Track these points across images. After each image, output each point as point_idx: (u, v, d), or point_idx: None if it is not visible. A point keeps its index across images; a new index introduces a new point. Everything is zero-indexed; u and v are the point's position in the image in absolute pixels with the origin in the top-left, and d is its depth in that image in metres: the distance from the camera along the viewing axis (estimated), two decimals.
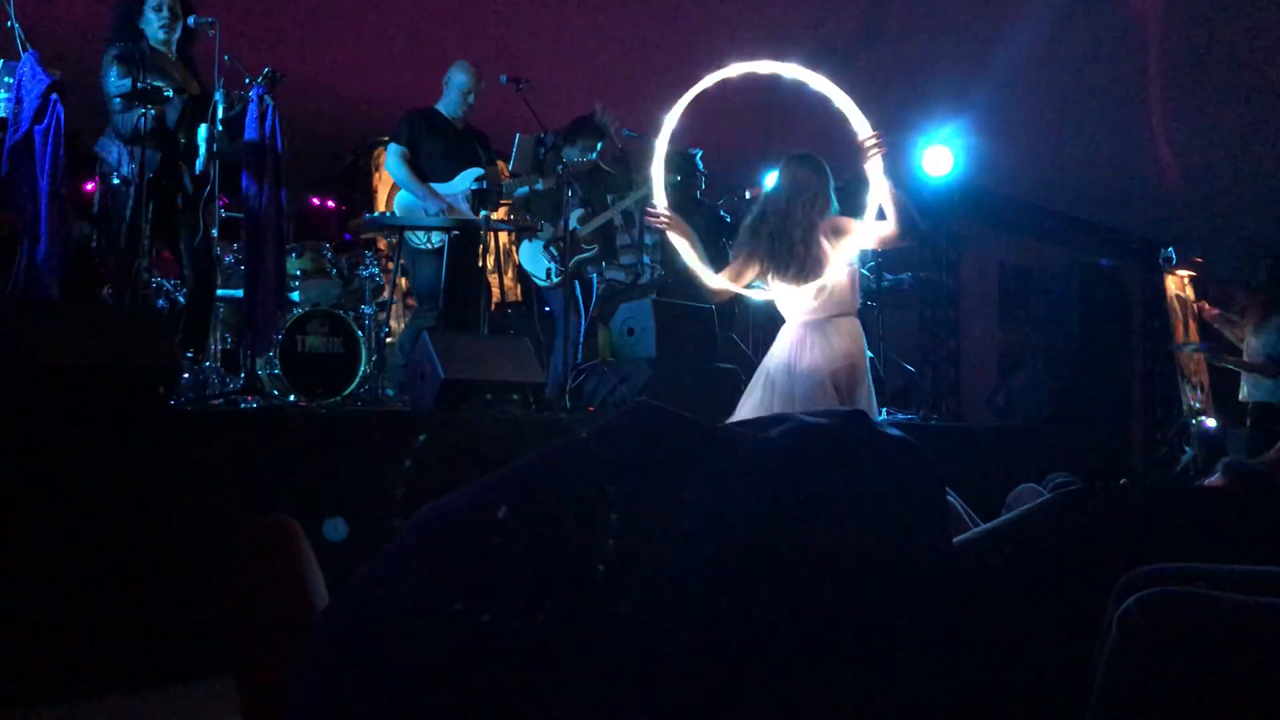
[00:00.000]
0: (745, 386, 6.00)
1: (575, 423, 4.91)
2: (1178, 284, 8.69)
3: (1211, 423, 8.25)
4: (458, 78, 5.83)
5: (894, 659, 1.58)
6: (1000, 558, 1.94)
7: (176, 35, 4.85)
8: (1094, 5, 6.90)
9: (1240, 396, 7.06)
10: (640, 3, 7.26)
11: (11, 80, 4.42)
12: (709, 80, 4.21)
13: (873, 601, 1.58)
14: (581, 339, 6.12)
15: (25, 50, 4.44)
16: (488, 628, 1.45)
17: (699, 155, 7.27)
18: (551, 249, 6.03)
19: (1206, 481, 2.75)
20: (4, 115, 4.42)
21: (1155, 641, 1.45)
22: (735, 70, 4.21)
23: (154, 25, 4.80)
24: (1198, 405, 8.30)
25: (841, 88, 4.21)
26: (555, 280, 6.03)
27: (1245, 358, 6.96)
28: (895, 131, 7.25)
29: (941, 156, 7.77)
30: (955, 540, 1.96)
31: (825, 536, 1.59)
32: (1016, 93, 7.58)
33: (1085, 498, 2.15)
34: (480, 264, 5.53)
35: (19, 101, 4.36)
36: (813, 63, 4.23)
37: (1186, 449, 8.37)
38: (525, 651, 1.44)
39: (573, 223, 5.87)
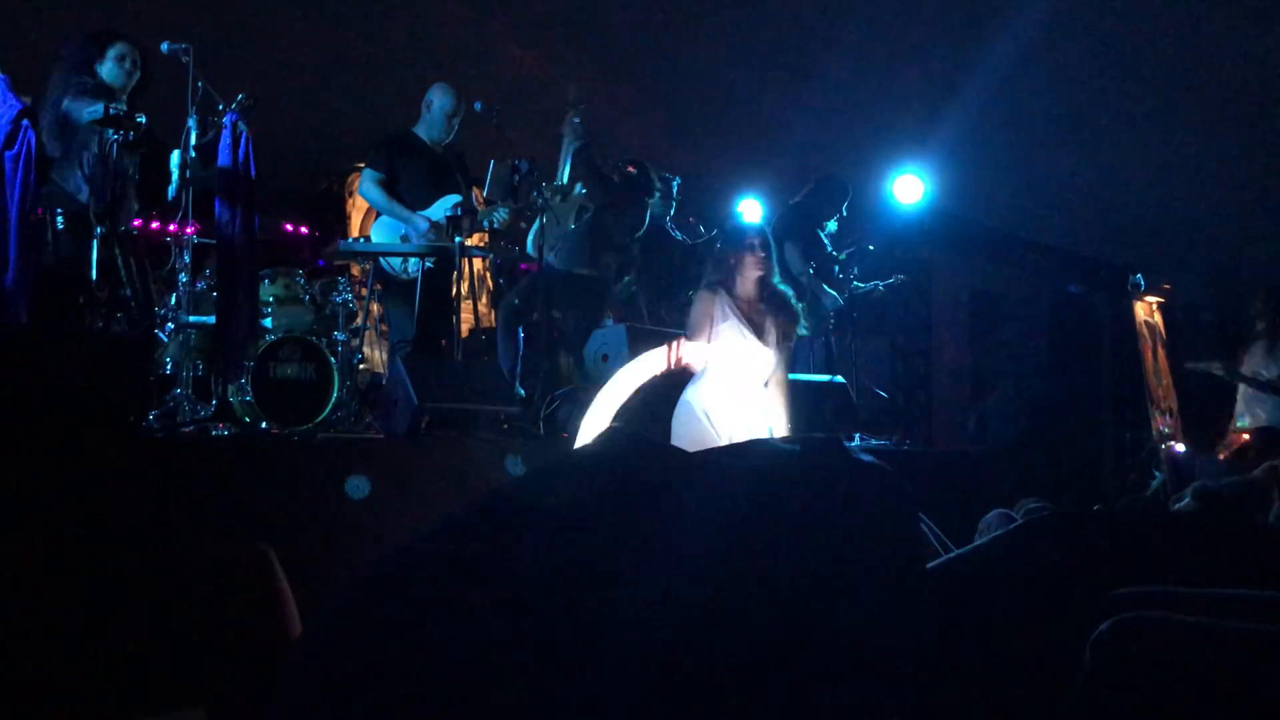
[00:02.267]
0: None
1: (549, 450, 4.90)
2: (1146, 310, 8.76)
3: (1181, 447, 8.30)
4: (441, 100, 5.75)
5: (869, 682, 1.58)
6: (973, 582, 1.95)
7: (133, 84, 4.83)
8: (1062, 35, 7.00)
9: (1240, 424, 7.09)
10: (611, 28, 7.31)
11: None
12: None
13: (847, 625, 1.58)
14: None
15: None
16: (460, 660, 1.44)
17: (676, 183, 7.30)
18: None
19: (1178, 506, 2.77)
20: None
21: (1129, 666, 1.46)
22: None
23: (113, 71, 4.78)
24: (1167, 430, 8.36)
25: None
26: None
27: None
28: (864, 159, 7.33)
29: (912, 185, 7.83)
30: (929, 565, 1.97)
31: (799, 561, 1.60)
32: (986, 120, 7.66)
33: (1057, 523, 2.17)
34: (455, 290, 5.50)
35: None
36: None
37: (1156, 474, 8.42)
38: (498, 680, 1.44)
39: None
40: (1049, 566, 1.96)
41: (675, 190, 7.28)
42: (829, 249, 7.13)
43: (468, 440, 4.61)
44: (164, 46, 4.87)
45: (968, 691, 1.74)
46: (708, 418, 4.59)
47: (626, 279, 7.37)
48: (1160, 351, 8.35)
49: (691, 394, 4.70)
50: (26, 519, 3.16)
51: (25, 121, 4.35)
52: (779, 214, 7.25)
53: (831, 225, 7.03)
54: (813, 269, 6.99)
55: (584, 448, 1.67)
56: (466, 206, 5.59)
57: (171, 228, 5.17)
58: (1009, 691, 1.76)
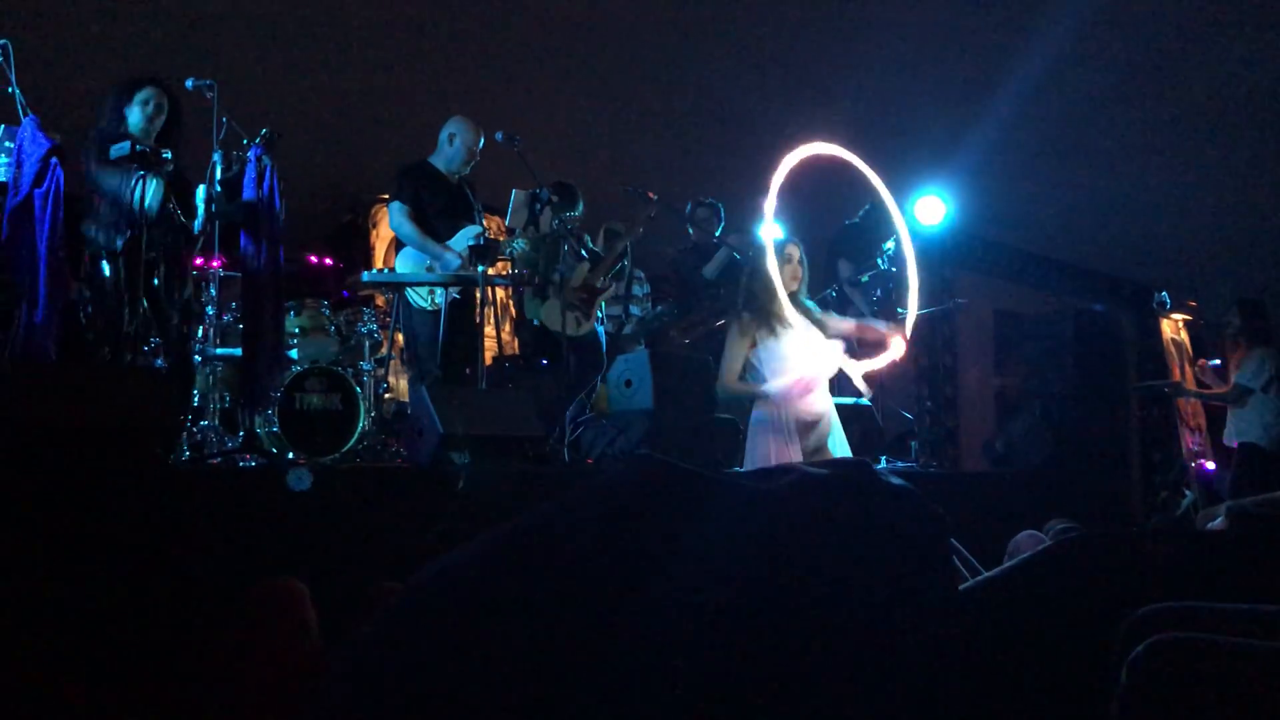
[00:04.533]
0: (744, 437, 6.04)
1: (574, 476, 4.89)
2: (1173, 328, 8.72)
3: (1210, 466, 8.23)
4: (464, 135, 5.77)
5: (901, 706, 1.56)
6: (1005, 605, 1.94)
7: (159, 126, 4.90)
8: (1084, 53, 6.99)
9: (1224, 439, 7.13)
10: (629, 57, 7.35)
11: (12, 145, 4.46)
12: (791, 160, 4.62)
13: (879, 649, 1.57)
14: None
15: (25, 115, 4.49)
16: (492, 686, 1.44)
17: (720, 207, 7.33)
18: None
19: (1210, 525, 2.74)
20: (4, 179, 4.45)
21: (1166, 687, 1.44)
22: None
23: (137, 115, 4.87)
24: (1196, 449, 8.30)
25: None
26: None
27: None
28: (885, 180, 7.32)
29: (933, 205, 7.81)
30: (960, 588, 1.96)
31: (829, 585, 1.59)
32: (1007, 140, 7.65)
33: (1087, 544, 2.15)
34: (478, 319, 5.52)
35: (19, 166, 4.40)
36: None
37: (1186, 492, 8.34)
38: (530, 707, 1.43)
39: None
40: (1080, 587, 1.94)
41: (722, 213, 7.31)
42: (887, 268, 7.12)
43: (493, 468, 4.60)
44: (189, 83, 4.95)
45: (1002, 714, 1.72)
46: (787, 429, 4.66)
47: (659, 309, 7.39)
48: (1188, 369, 8.30)
49: (763, 410, 4.76)
50: (55, 552, 3.18)
51: (54, 160, 4.43)
52: (834, 232, 7.36)
53: (888, 247, 7.02)
54: (864, 280, 7.08)
55: (610, 473, 1.66)
56: (489, 236, 5.61)
57: (198, 261, 5.23)
58: (1044, 714, 1.74)
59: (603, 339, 6.40)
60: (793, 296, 4.75)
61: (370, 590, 1.92)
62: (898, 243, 6.96)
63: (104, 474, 3.47)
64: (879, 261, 7.06)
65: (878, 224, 7.15)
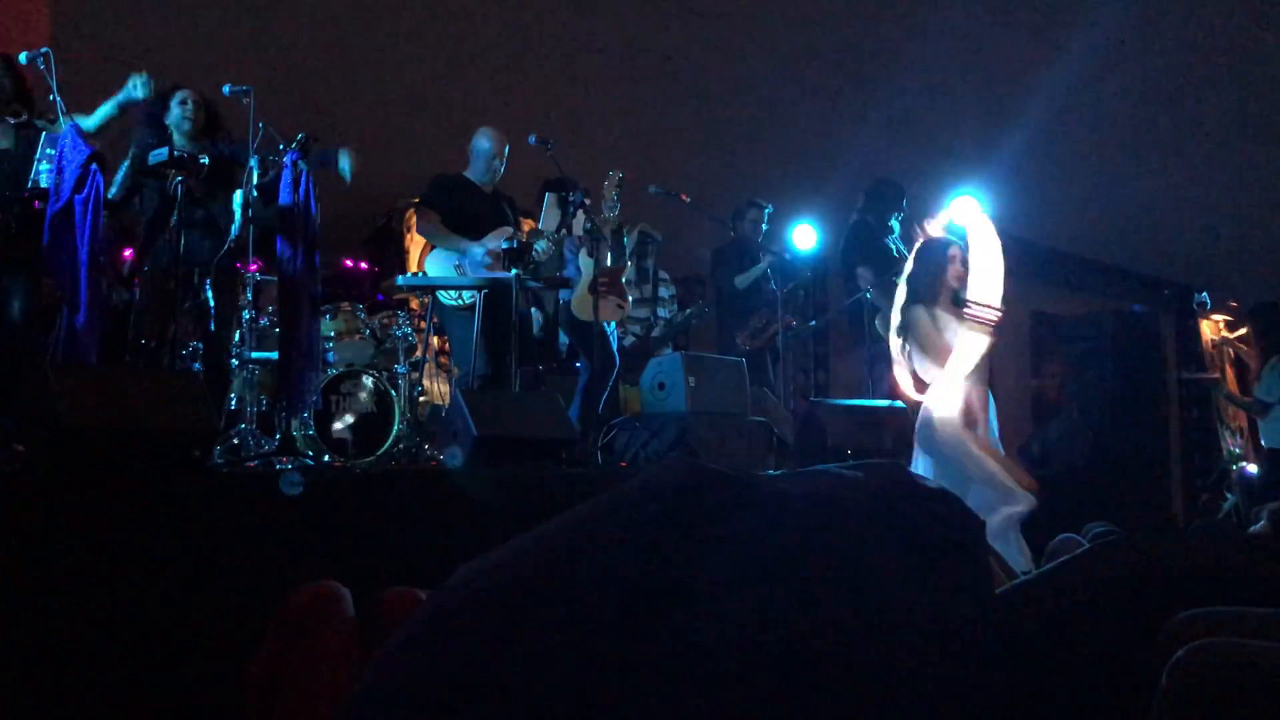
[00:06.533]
0: (776, 439, 6.01)
1: (608, 479, 4.89)
2: (1213, 329, 8.62)
3: (1253, 468, 8.13)
4: (482, 145, 5.82)
5: (936, 711, 1.55)
6: (1042, 608, 1.92)
7: (198, 124, 5.02)
8: (1122, 55, 6.93)
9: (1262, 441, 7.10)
10: (668, 64, 7.36)
11: (53, 151, 4.53)
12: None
13: (913, 655, 1.56)
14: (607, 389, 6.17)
15: (66, 122, 4.55)
16: (531, 689, 1.44)
17: (769, 211, 7.26)
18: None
19: (1253, 529, 2.70)
20: (46, 185, 4.52)
21: (1206, 692, 1.42)
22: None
23: (177, 115, 5.02)
24: (1238, 451, 8.20)
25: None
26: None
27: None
28: (921, 181, 7.28)
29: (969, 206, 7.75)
30: (996, 591, 1.94)
31: (862, 589, 1.58)
32: (1044, 141, 7.59)
33: (1127, 547, 2.12)
34: (512, 320, 5.53)
35: (60, 172, 4.46)
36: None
37: (1228, 495, 8.25)
38: (567, 712, 1.43)
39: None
40: (1119, 591, 1.92)
41: (766, 216, 7.25)
42: (900, 253, 7.03)
43: (526, 470, 4.62)
44: (225, 89, 5.00)
45: (1040, 718, 1.71)
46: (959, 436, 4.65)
47: (688, 310, 7.38)
48: (1229, 371, 8.21)
49: (943, 417, 4.75)
50: (94, 555, 3.21)
51: (94, 166, 4.48)
52: (845, 236, 7.14)
53: (896, 227, 6.89)
54: (894, 280, 6.95)
55: (643, 475, 1.66)
56: (523, 240, 5.63)
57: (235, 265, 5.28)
58: (1081, 718, 1.73)
59: (613, 336, 6.37)
60: (955, 296, 4.85)
61: (378, 599, 1.93)
62: (899, 230, 6.83)
63: (143, 477, 3.51)
64: (893, 247, 6.89)
65: (882, 208, 6.93)
